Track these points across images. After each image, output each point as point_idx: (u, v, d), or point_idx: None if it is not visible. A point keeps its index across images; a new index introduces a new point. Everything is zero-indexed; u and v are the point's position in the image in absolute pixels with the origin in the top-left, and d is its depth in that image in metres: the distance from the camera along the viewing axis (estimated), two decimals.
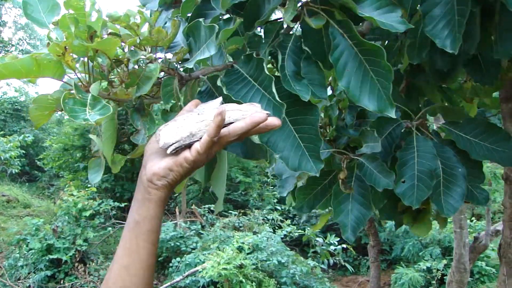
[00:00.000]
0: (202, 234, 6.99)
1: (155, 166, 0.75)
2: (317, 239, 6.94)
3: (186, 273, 5.77)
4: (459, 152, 1.31)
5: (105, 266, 6.50)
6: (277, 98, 0.89)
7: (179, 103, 0.97)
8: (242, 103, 0.84)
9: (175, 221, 7.05)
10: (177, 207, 7.50)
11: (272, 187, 10.01)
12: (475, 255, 4.59)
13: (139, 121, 0.88)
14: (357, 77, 1.00)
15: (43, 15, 0.90)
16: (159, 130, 0.77)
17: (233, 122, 0.75)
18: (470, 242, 4.24)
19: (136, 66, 0.92)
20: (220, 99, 0.85)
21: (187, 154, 0.74)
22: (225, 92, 0.94)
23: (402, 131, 1.33)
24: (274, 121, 0.74)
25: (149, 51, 0.94)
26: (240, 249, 6.04)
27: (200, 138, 0.74)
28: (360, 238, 7.87)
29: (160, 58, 0.98)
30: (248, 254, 6.07)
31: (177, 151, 0.75)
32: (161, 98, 0.96)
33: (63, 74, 0.82)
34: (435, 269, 6.66)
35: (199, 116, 0.77)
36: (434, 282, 6.53)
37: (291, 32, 1.06)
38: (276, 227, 7.67)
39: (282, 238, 6.94)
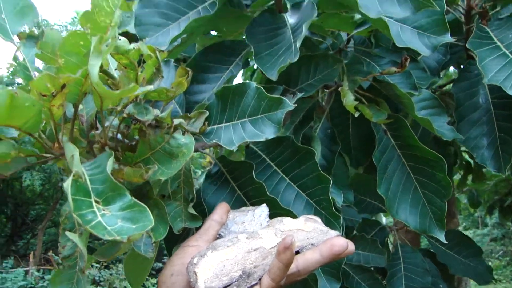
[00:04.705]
0: None
1: None
2: None
3: None
4: (437, 264, 1.22)
5: None
6: (334, 208, 0.65)
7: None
8: (293, 214, 0.61)
9: (27, 268, 5.82)
10: (32, 252, 6.23)
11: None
12: None
13: None
14: (396, 185, 0.83)
15: (6, 18, 0.54)
16: (193, 264, 0.48)
17: (298, 251, 0.51)
18: None
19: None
20: (264, 207, 0.60)
21: None
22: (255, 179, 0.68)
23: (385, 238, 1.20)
24: (351, 248, 0.51)
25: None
26: None
27: (259, 280, 0.48)
28: None
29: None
30: None
31: None
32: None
33: (38, 129, 0.48)
34: None
35: (248, 242, 0.50)
36: None
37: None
38: None
39: None
